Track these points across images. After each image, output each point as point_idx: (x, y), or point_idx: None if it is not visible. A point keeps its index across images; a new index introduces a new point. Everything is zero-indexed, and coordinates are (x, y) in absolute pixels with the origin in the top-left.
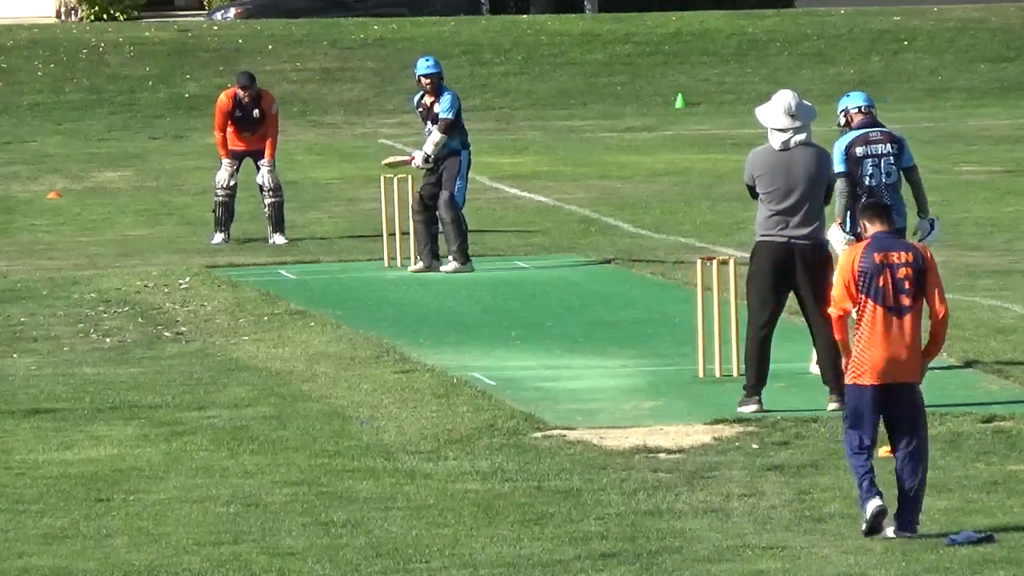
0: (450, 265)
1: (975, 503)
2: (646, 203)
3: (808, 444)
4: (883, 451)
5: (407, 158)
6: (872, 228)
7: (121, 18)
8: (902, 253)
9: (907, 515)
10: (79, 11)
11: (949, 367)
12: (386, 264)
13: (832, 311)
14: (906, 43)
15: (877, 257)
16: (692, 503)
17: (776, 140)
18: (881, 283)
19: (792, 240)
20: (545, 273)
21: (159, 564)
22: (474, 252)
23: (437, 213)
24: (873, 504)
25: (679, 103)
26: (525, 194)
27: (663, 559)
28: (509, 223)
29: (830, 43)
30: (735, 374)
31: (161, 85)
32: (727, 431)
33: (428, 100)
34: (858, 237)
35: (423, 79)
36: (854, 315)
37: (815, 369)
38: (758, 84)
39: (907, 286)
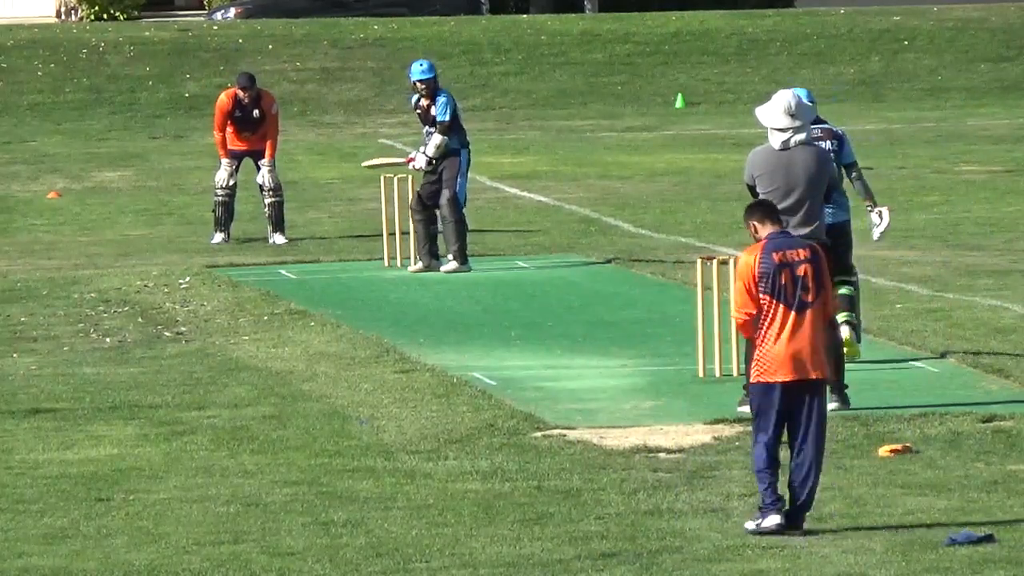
0: (449, 265)
1: (975, 503)
2: (646, 203)
3: None
4: (883, 450)
5: (402, 160)
6: (764, 229)
7: (121, 18)
8: (800, 251)
9: (796, 518)
10: (79, 11)
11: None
12: (386, 264)
13: (735, 315)
14: (906, 43)
15: (776, 257)
16: (692, 503)
17: (776, 140)
18: (783, 281)
19: None
20: (545, 273)
21: (159, 564)
22: (474, 252)
23: (438, 212)
24: (773, 520)
25: (679, 103)
26: (525, 194)
27: (663, 559)
28: (509, 223)
29: (830, 43)
30: (735, 374)
31: (161, 85)
32: (727, 431)
33: (424, 103)
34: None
35: (418, 83)
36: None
37: None
38: (758, 84)
39: (808, 283)
